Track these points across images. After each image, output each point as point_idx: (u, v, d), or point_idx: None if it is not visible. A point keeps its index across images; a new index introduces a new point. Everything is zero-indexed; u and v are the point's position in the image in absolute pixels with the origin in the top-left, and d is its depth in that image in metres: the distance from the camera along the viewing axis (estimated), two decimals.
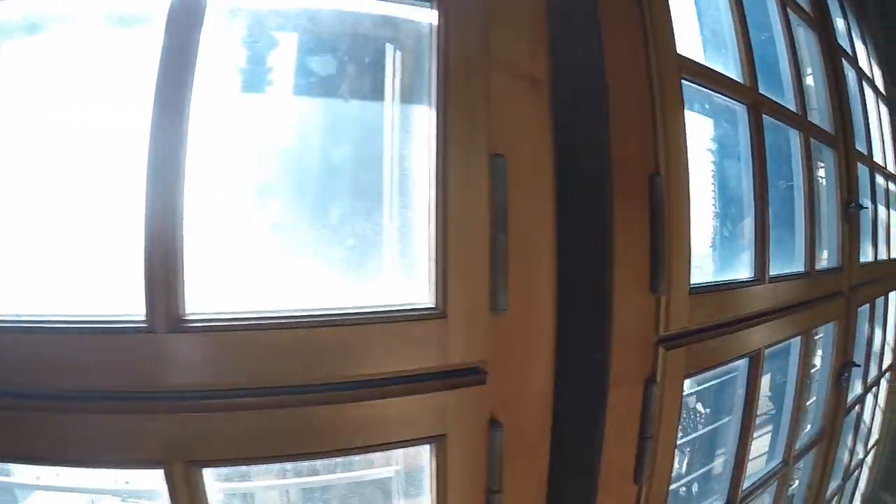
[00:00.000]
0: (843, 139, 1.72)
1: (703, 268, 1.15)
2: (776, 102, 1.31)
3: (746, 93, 1.21)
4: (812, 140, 1.62)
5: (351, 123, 0.96)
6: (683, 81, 1.01)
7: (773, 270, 1.32)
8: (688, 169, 0.98)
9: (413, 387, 0.76)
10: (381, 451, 0.78)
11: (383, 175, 0.88)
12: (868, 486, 2.61)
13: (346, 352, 0.73)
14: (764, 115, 1.25)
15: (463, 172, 0.76)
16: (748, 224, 1.20)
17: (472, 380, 0.79)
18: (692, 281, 0.99)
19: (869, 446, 2.42)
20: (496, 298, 0.78)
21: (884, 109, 2.51)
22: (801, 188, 1.45)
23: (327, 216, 0.87)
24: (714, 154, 1.32)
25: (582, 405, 0.89)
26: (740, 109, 1.23)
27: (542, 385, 0.86)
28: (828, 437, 1.77)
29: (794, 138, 1.47)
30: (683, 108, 0.99)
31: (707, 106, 1.29)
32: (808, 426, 1.88)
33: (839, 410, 1.79)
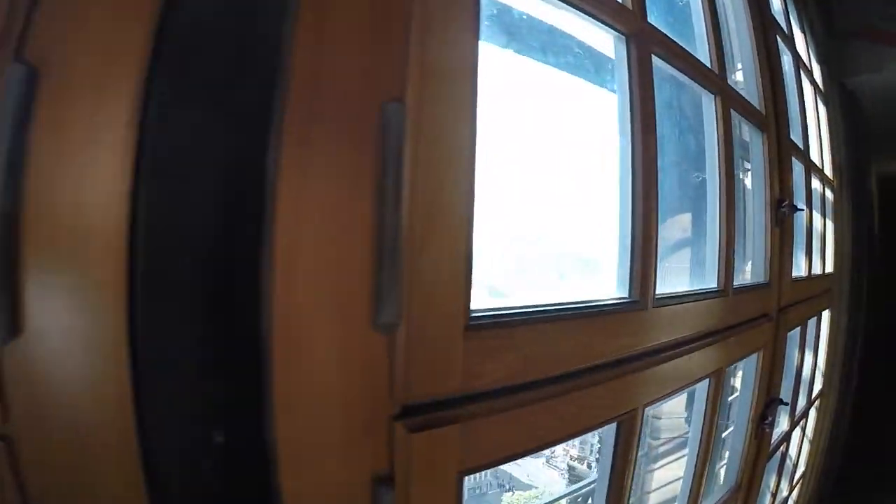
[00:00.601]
0: (774, 122, 1.26)
1: (526, 283, 0.65)
2: (677, 44, 0.82)
3: (624, 17, 0.71)
4: (737, 119, 1.15)
5: None
6: None
7: (667, 287, 0.84)
8: (470, 109, 0.48)
9: None
10: None
11: None
12: None
13: None
14: (656, 60, 0.77)
15: None
16: (623, 218, 0.71)
17: None
18: (478, 304, 0.49)
19: (794, 482, 1.97)
20: None
21: (822, 108, 2.07)
22: (717, 174, 0.97)
23: None
24: (575, 112, 0.83)
25: None
26: (618, 44, 0.73)
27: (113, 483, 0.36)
28: (745, 492, 1.30)
29: (709, 107, 0.99)
30: (475, 11, 0.50)
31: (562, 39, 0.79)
32: (721, 475, 1.42)
33: (760, 460, 1.32)
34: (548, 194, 0.77)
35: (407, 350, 0.44)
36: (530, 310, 0.55)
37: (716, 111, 0.98)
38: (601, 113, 0.76)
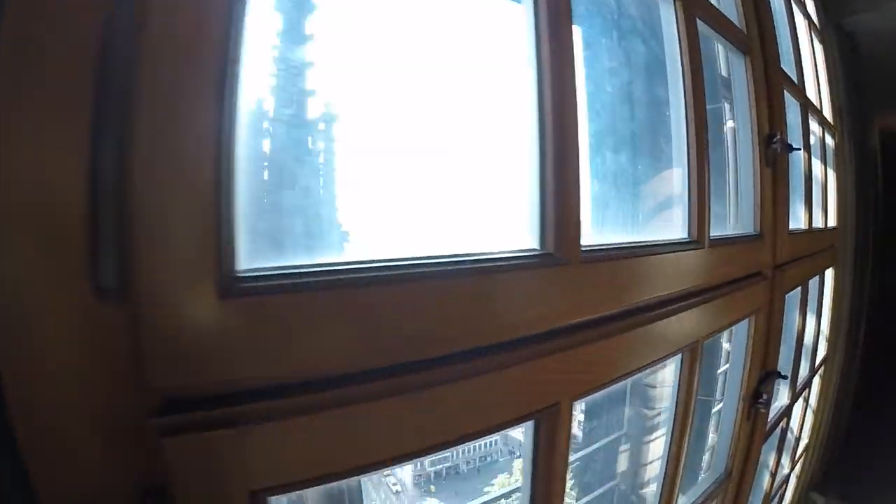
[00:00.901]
0: (759, 44, 1.00)
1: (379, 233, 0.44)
2: None
3: None
4: (713, 38, 0.90)
5: None
6: None
7: (608, 237, 0.61)
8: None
9: None
10: None
11: None
12: (796, 493, 1.95)
13: None
14: None
15: None
16: (532, 141, 0.48)
17: None
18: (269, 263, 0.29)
19: (797, 457, 1.74)
20: None
21: (818, 47, 1.79)
22: (681, 92, 0.73)
23: None
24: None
25: None
26: None
27: None
28: (736, 482, 1.08)
29: (668, 17, 0.75)
30: None
31: None
32: (706, 464, 1.19)
33: (754, 444, 1.09)
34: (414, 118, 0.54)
35: (142, 325, 0.26)
36: (360, 267, 0.34)
37: (676, 18, 0.73)
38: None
